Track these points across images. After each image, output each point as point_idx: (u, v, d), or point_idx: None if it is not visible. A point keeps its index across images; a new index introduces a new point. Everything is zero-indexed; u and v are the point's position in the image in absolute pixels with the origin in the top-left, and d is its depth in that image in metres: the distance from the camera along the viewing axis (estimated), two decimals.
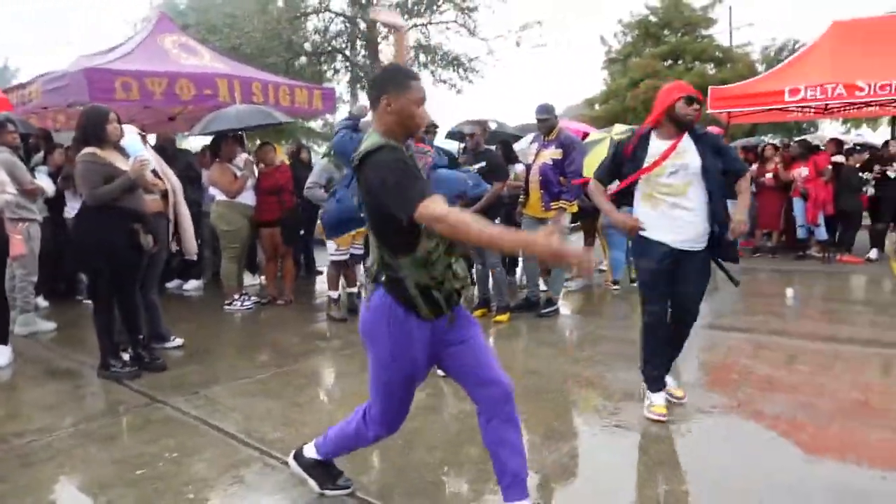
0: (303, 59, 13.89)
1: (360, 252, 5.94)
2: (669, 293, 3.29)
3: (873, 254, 8.31)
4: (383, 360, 2.21)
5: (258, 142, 7.14)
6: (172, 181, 4.80)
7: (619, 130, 7.80)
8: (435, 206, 1.90)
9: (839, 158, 8.97)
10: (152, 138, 6.71)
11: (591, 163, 6.97)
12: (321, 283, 8.04)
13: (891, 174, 8.24)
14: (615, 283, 6.94)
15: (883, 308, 5.72)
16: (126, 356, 4.27)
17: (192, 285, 7.22)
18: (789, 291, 6.65)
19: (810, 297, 6.53)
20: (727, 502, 2.48)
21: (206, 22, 12.70)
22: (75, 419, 3.50)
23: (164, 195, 4.66)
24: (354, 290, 6.04)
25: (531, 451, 2.98)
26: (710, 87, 10.47)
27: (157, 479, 2.78)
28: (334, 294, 5.85)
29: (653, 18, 20.79)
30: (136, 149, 4.41)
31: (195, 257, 5.46)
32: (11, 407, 3.77)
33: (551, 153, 5.51)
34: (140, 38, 7.44)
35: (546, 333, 5.23)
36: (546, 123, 5.58)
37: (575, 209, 5.88)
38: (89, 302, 6.04)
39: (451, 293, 2.18)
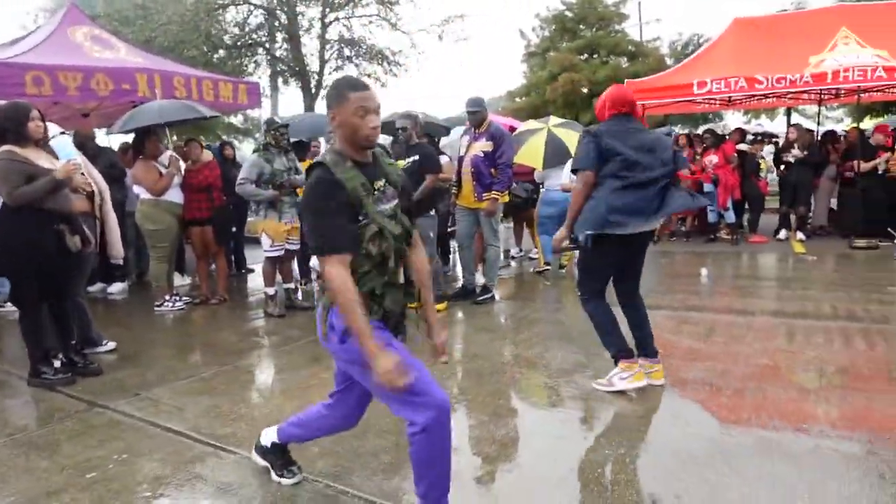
0: (221, 51, 13.46)
1: (296, 247, 5.93)
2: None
3: (782, 234, 9.05)
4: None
5: (174, 138, 6.91)
6: (98, 182, 4.63)
7: (556, 122, 8.10)
8: (329, 268, 1.97)
9: (743, 147, 9.68)
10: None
11: (528, 153, 7.26)
12: (252, 280, 7.96)
13: (789, 159, 8.94)
14: (548, 265, 7.25)
15: (787, 282, 6.26)
16: (57, 362, 4.11)
17: (117, 288, 6.95)
18: (704, 271, 7.14)
19: (723, 275, 7.04)
20: (663, 462, 2.71)
21: (116, 13, 12.11)
22: (12, 430, 3.37)
23: (90, 196, 4.50)
24: (291, 285, 6.02)
25: (480, 429, 3.14)
26: (625, 80, 11.03)
27: (109, 481, 2.74)
28: (270, 290, 5.81)
29: (568, 13, 21.39)
30: (67, 151, 4.21)
31: (122, 261, 5.29)
32: None
33: (482, 145, 5.69)
34: (48, 30, 7.05)
35: (483, 319, 5.41)
36: (476, 116, 5.75)
37: (506, 199, 6.11)
38: (10, 308, 5.78)
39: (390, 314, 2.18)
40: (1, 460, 3.01)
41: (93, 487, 2.70)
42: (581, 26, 21.42)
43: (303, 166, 5.78)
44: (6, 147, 3.86)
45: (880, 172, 8.53)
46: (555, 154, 7.14)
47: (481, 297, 5.92)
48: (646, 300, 4.87)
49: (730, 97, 11.06)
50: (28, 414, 3.63)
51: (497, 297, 6.09)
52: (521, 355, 4.32)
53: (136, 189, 5.93)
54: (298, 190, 5.87)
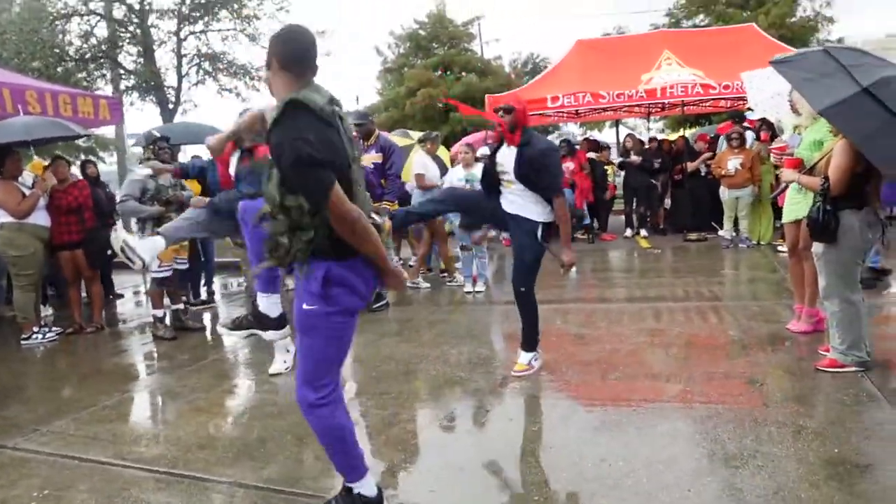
0: (69, 64, 12.35)
1: (184, 266, 5.74)
2: None
3: (627, 232, 10.16)
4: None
5: (35, 158, 6.35)
6: None
7: (419, 137, 8.46)
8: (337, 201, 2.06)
9: (592, 155, 10.72)
10: None
11: (408, 168, 7.53)
12: (123, 305, 7.49)
13: (633, 160, 10.07)
14: (429, 270, 7.63)
15: (642, 272, 7.12)
16: None
17: None
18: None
19: (588, 269, 7.81)
20: (575, 429, 3.11)
21: None
22: None
23: None
24: (180, 306, 5.80)
25: (411, 422, 3.36)
26: (486, 95, 11.80)
27: None
28: (159, 313, 5.55)
29: (422, 32, 22.17)
30: None
31: None
32: None
33: (372, 157, 5.89)
34: None
35: (384, 325, 5.59)
36: (364, 128, 5.95)
37: (396, 207, 6.35)
38: None
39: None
40: None
41: None
42: (434, 44, 22.29)
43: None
44: None
45: (703, 174, 9.88)
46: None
47: (376, 306, 6.07)
48: None
49: (577, 110, 12.24)
50: None
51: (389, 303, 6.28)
52: (430, 354, 4.57)
53: None
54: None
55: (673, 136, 13.24)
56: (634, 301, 5.75)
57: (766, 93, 7.58)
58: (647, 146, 10.73)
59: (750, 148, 8.65)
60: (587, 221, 10.10)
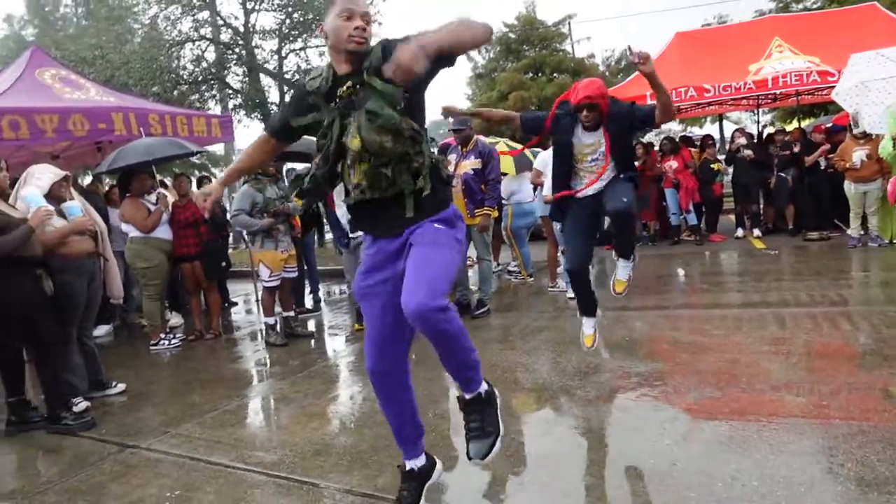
0: (183, 87, 13.35)
1: (293, 275, 5.97)
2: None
3: (739, 232, 9.56)
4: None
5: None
6: (99, 222, 4.59)
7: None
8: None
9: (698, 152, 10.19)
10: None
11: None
12: (236, 314, 7.90)
13: (745, 154, 9.45)
14: (530, 276, 7.49)
15: (759, 275, 6.66)
16: (77, 407, 4.03)
17: (102, 331, 6.78)
18: (680, 271, 7.51)
19: (697, 273, 7.41)
20: (700, 444, 2.91)
21: (73, 54, 11.86)
22: (49, 476, 3.30)
23: (94, 236, 4.46)
24: (291, 314, 6.03)
25: (519, 434, 3.28)
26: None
27: None
28: (271, 320, 5.80)
29: (512, 35, 22.08)
30: (35, 200, 4.13)
31: (121, 300, 5.22)
32: None
33: (471, 163, 5.88)
34: (15, 74, 6.89)
35: (486, 331, 5.54)
36: (462, 134, 5.96)
37: (496, 214, 6.31)
38: None
39: None
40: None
41: None
42: (525, 46, 22.12)
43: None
44: None
45: (822, 167, 9.14)
46: (522, 163, 7.45)
47: (478, 312, 6.05)
48: (632, 302, 5.25)
49: (679, 107, 11.71)
50: (61, 460, 3.55)
51: (491, 309, 6.23)
52: (534, 363, 4.48)
53: (125, 227, 5.86)
54: (293, 218, 5.95)
55: (789, 128, 12.37)
56: (752, 306, 5.37)
57: (855, 79, 6.91)
58: (755, 140, 10.08)
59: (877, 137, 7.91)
60: (694, 222, 9.60)
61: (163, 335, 5.96)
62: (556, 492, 2.64)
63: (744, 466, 2.62)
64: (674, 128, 25.01)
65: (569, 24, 23.60)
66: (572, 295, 6.34)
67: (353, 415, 3.94)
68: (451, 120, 6.08)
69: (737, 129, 10.96)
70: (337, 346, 5.84)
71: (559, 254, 6.56)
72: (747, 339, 4.45)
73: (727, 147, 10.92)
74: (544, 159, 7.23)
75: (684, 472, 2.65)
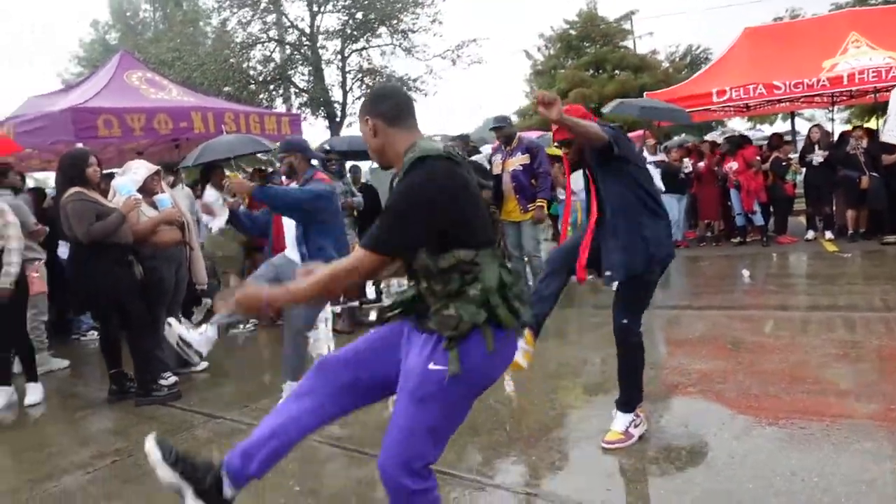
0: (252, 86, 14.01)
1: None
2: None
3: (810, 234, 9.26)
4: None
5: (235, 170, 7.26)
6: (185, 214, 4.94)
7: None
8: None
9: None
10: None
11: None
12: None
13: (816, 161, 9.15)
14: None
15: (830, 279, 6.50)
16: (166, 381, 4.39)
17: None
18: (744, 272, 7.39)
19: (764, 274, 7.28)
20: (760, 440, 2.94)
21: (153, 56, 12.64)
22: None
23: (181, 227, 4.81)
24: (356, 303, 6.29)
25: (580, 426, 3.38)
26: (645, 94, 11.41)
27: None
28: (337, 309, 6.08)
29: (572, 32, 21.95)
30: (126, 189, 4.50)
31: (206, 286, 5.59)
32: (81, 437, 3.87)
33: (519, 159, 5.99)
34: (108, 76, 7.43)
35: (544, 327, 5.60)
36: (503, 132, 6.09)
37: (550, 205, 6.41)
38: (93, 336, 6.11)
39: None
40: (150, 468, 3.25)
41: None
42: (585, 43, 21.95)
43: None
44: (76, 189, 4.18)
45: None
46: None
47: None
48: (697, 301, 5.16)
49: (747, 104, 11.43)
50: (158, 427, 3.85)
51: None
52: (594, 357, 4.55)
53: (206, 218, 6.24)
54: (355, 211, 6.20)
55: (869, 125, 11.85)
56: (821, 309, 5.27)
57: None
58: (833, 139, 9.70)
59: None
60: (761, 223, 9.36)
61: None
62: (601, 474, 2.74)
63: (805, 463, 2.65)
64: (739, 126, 24.32)
65: (630, 20, 23.28)
66: None
67: None
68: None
69: (814, 126, 10.55)
70: None
71: None
72: (815, 340, 4.40)
73: (802, 145, 10.55)
74: None
75: (743, 464, 2.71)
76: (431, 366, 1.79)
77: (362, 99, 15.80)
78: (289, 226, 4.14)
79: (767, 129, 22.77)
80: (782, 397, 3.47)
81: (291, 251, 4.08)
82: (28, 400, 4.52)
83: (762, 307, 5.62)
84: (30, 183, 7.52)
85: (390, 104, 1.92)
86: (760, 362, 4.05)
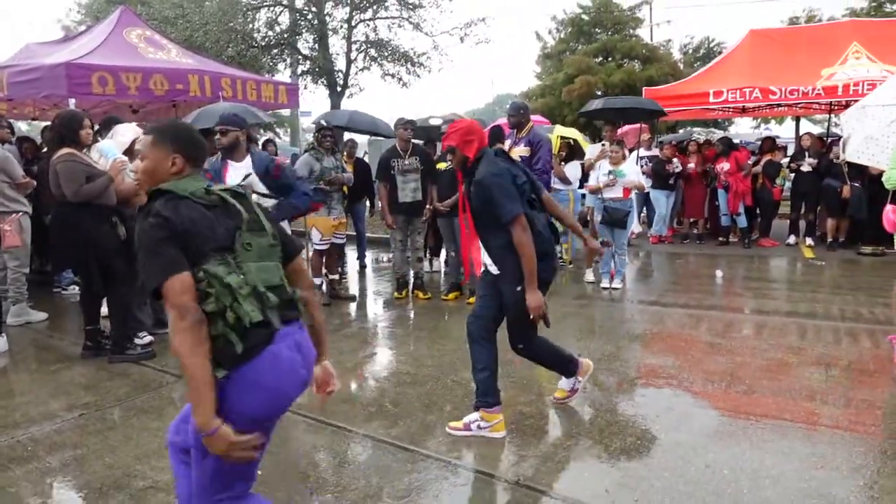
0: (255, 50, 13.97)
1: (342, 241, 6.39)
2: None
3: (791, 239, 9.44)
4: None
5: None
6: None
7: (562, 132, 8.59)
8: None
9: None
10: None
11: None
12: None
13: (804, 168, 9.29)
14: (570, 263, 7.78)
15: (797, 284, 6.68)
16: (140, 340, 4.57)
17: None
18: (718, 272, 7.56)
19: (736, 276, 7.46)
20: (687, 433, 3.15)
21: (156, 13, 12.61)
22: (118, 395, 3.84)
23: None
24: (336, 276, 6.47)
25: (528, 407, 3.58)
26: (644, 88, 11.50)
27: None
28: (317, 280, 6.25)
29: (585, 17, 21.77)
30: (111, 153, 4.64)
31: None
32: (52, 389, 4.02)
33: (521, 150, 6.10)
34: (105, 32, 7.48)
35: None
36: (513, 120, 6.18)
37: None
38: (73, 291, 6.27)
39: None
40: (116, 422, 3.47)
41: None
42: (597, 29, 21.80)
43: None
44: (68, 150, 4.34)
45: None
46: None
47: None
48: (663, 298, 5.24)
49: (743, 106, 11.49)
50: (126, 383, 4.08)
51: None
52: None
53: None
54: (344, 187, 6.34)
55: None
56: (779, 314, 5.46)
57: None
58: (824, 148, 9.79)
59: None
60: (744, 225, 9.52)
61: None
62: (549, 457, 2.94)
63: (720, 457, 2.86)
64: (743, 127, 24.29)
65: (649, 7, 23.07)
66: (606, 285, 6.58)
67: (380, 373, 4.34)
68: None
69: (806, 133, 10.66)
70: (376, 310, 6.24)
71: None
72: (764, 344, 4.60)
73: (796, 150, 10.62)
74: (594, 150, 7.42)
75: (665, 454, 2.92)
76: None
77: (366, 70, 15.92)
78: None
79: (776, 129, 22.79)
80: (718, 395, 3.69)
81: None
82: None
83: (725, 308, 5.81)
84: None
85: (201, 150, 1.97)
86: (706, 361, 4.25)
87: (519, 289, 3.03)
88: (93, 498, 2.68)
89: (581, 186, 8.32)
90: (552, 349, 3.44)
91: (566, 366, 3.49)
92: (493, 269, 3.19)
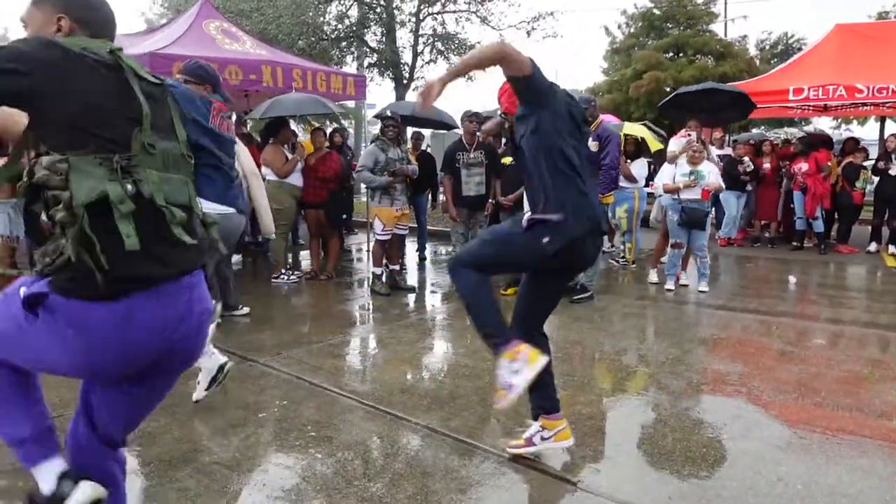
0: (324, 43, 14.29)
1: (404, 232, 6.44)
2: None
3: (872, 246, 8.90)
4: None
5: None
6: (245, 165, 5.22)
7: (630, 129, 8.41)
8: None
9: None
10: None
11: None
12: (347, 260, 8.56)
13: (892, 172, 8.73)
14: (633, 262, 7.59)
15: (878, 294, 6.30)
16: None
17: (234, 259, 7.65)
18: (791, 278, 7.23)
19: (811, 282, 7.11)
20: (757, 443, 3.02)
21: (232, 6, 13.05)
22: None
23: None
24: (396, 267, 6.53)
25: (588, 408, 3.51)
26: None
27: (279, 420, 3.29)
28: (378, 270, 6.33)
29: (656, 11, 21.15)
30: None
31: (273, 235, 5.94)
32: None
33: (589, 145, 5.96)
34: (187, 23, 7.78)
35: (578, 310, 5.68)
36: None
37: (611, 200, 6.36)
38: None
39: None
40: (184, 398, 3.60)
41: (267, 423, 3.25)
42: (668, 24, 21.14)
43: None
44: None
45: None
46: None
47: (577, 297, 5.83)
48: (732, 302, 5.02)
49: (826, 105, 10.91)
50: None
51: (595, 298, 6.01)
52: (618, 344, 4.65)
53: (264, 170, 6.55)
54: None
55: None
56: (857, 325, 5.17)
57: None
58: None
59: None
60: (821, 230, 9.05)
61: (283, 270, 6.67)
62: (610, 460, 2.88)
63: (794, 470, 2.72)
64: (825, 125, 23.07)
65: (725, 1, 22.24)
66: (670, 287, 6.38)
67: (438, 364, 4.35)
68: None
69: (891, 135, 10.03)
70: (434, 302, 6.27)
71: (668, 246, 6.52)
72: (840, 355, 4.36)
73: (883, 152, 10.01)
74: (678, 143, 7.11)
75: (734, 462, 2.80)
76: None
77: (432, 63, 15.98)
78: None
79: (857, 130, 21.56)
80: (790, 405, 3.51)
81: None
82: None
83: (798, 315, 5.54)
84: None
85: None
86: (778, 369, 4.06)
87: (546, 240, 2.57)
88: (163, 469, 2.79)
89: (647, 185, 8.11)
90: (491, 302, 2.89)
91: (497, 326, 2.87)
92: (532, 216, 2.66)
